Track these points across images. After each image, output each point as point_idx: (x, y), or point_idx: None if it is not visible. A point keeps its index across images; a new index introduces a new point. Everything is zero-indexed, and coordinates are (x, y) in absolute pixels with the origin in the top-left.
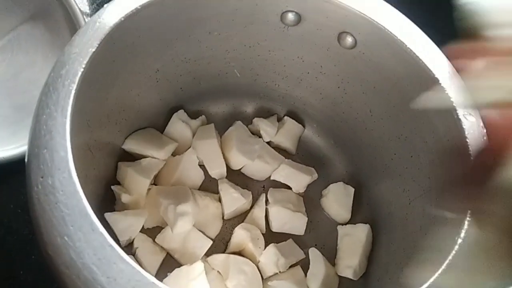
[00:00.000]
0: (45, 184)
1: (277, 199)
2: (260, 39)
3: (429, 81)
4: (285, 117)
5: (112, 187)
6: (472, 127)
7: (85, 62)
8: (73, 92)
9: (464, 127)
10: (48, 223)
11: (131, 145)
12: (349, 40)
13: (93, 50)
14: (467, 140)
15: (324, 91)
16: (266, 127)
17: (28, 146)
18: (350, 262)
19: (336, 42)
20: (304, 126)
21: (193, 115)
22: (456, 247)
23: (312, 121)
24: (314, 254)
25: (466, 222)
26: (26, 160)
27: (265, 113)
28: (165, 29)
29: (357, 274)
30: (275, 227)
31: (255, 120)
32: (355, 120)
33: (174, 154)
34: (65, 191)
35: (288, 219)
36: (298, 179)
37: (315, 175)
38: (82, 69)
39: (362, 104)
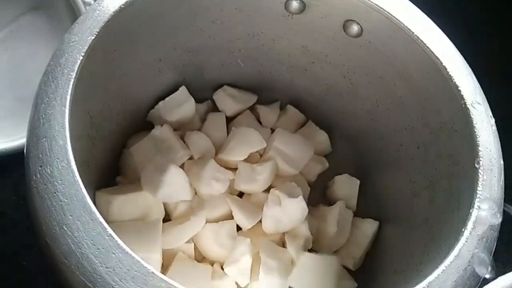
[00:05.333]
0: (43, 173)
1: None
2: (264, 28)
3: (437, 69)
4: (288, 106)
5: (117, 178)
6: (481, 116)
7: (84, 50)
8: (72, 81)
9: (472, 116)
10: (46, 213)
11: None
12: (355, 28)
13: (93, 38)
14: (475, 130)
15: (329, 82)
16: (266, 115)
17: (27, 136)
18: (353, 253)
19: (342, 30)
20: (307, 118)
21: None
22: (462, 238)
23: (317, 112)
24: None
25: (472, 213)
26: (25, 149)
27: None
28: (167, 17)
29: (356, 266)
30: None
31: (256, 107)
32: (360, 111)
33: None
34: (64, 180)
35: None
36: (309, 168)
37: (326, 165)
38: (81, 57)
39: (368, 94)
